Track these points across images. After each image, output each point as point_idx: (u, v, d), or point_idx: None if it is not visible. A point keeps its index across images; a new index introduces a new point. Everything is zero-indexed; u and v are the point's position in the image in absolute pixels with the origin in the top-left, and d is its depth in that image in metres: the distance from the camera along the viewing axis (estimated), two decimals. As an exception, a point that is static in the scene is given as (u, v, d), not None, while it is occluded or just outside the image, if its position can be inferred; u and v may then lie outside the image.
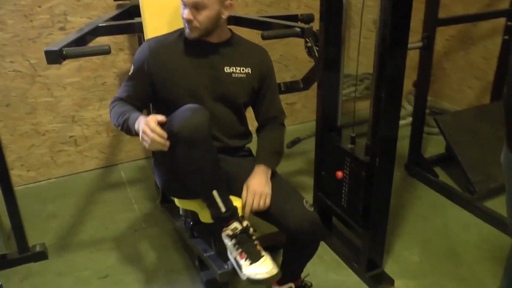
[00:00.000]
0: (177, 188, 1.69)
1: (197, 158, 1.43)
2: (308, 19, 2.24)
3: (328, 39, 1.93)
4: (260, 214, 1.61)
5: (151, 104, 2.05)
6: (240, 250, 1.50)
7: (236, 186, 1.62)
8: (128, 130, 1.53)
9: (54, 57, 1.54)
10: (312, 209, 1.55)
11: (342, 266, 2.10)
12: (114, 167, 2.98)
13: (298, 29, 1.89)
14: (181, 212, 1.97)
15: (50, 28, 2.55)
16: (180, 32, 1.67)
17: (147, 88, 1.64)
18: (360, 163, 1.84)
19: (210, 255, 1.77)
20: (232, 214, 1.51)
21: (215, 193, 1.48)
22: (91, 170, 2.93)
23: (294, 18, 2.24)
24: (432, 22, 2.52)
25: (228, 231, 1.51)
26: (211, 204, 1.51)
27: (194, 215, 1.84)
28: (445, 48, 3.73)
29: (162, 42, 1.67)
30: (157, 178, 1.74)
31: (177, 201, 1.77)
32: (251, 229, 1.53)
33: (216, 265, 1.70)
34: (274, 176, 1.67)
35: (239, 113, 1.73)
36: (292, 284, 1.79)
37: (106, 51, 1.48)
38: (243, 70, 1.67)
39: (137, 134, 1.48)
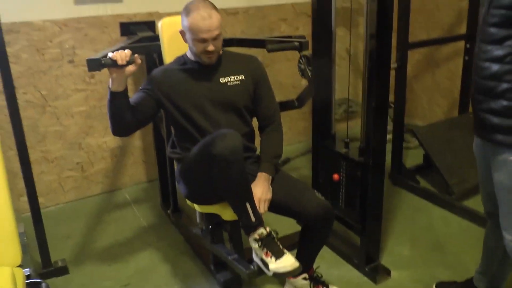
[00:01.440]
0: (202, 196, 1.91)
1: (234, 176, 1.67)
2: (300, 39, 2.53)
3: (321, 59, 2.22)
4: (279, 210, 1.86)
5: (164, 118, 2.29)
6: (265, 250, 1.73)
7: None
8: (109, 98, 1.78)
9: (95, 65, 1.77)
10: (323, 198, 1.81)
11: (342, 263, 2.32)
12: (118, 191, 3.14)
13: (297, 43, 2.15)
14: (198, 220, 2.17)
15: (60, 61, 2.77)
16: (179, 60, 1.96)
17: (148, 103, 1.89)
18: (355, 164, 2.10)
19: (235, 258, 1.94)
20: (259, 222, 1.74)
21: (248, 205, 1.71)
22: (97, 194, 3.09)
23: (288, 37, 2.52)
24: (404, 46, 2.87)
25: (255, 235, 1.74)
26: (243, 214, 1.73)
27: (210, 220, 2.05)
28: (414, 71, 4.11)
29: (165, 70, 1.96)
30: (182, 188, 1.95)
31: (198, 207, 1.97)
32: (273, 233, 1.77)
33: (243, 266, 1.87)
34: (284, 175, 1.94)
35: (242, 116, 1.96)
36: (306, 275, 2.01)
37: (133, 61, 1.73)
38: (236, 77, 1.93)
39: (112, 93, 1.76)
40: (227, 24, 3.27)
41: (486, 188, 1.74)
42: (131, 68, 1.74)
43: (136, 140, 3.15)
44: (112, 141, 3.05)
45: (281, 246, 1.75)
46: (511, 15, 1.38)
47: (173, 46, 2.13)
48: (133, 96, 1.89)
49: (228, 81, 1.91)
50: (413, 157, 3.44)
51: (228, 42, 2.36)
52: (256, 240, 1.74)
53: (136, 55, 1.75)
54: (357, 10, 2.61)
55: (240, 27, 3.37)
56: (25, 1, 2.62)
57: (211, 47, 1.80)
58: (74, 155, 2.96)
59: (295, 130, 3.85)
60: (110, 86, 1.76)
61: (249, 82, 1.95)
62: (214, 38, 1.80)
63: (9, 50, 2.43)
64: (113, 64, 1.71)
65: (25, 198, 2.24)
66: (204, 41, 1.80)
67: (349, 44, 2.28)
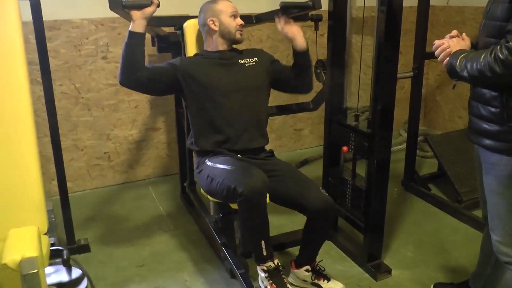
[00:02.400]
0: (219, 196, 2.02)
1: (255, 217, 1.82)
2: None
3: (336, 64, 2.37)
4: (285, 202, 1.99)
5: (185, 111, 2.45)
6: (271, 281, 1.89)
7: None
8: (126, 40, 1.91)
9: (117, 4, 1.87)
10: (326, 193, 1.95)
11: (346, 259, 2.41)
12: (141, 181, 3.34)
13: (310, 2, 2.21)
14: (211, 213, 2.36)
15: (94, 57, 2.99)
16: (199, 54, 2.18)
17: (166, 73, 2.05)
18: (363, 135, 2.21)
19: (242, 274, 2.05)
20: (269, 256, 1.89)
21: (262, 242, 1.86)
22: (121, 183, 3.29)
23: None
24: (421, 55, 2.95)
25: (264, 267, 1.90)
26: (256, 248, 1.88)
27: (221, 208, 2.22)
28: (437, 82, 4.17)
29: (189, 57, 2.22)
30: (201, 181, 2.08)
31: (211, 197, 2.11)
32: (280, 267, 1.92)
33: (247, 284, 1.99)
34: (292, 169, 2.07)
35: (259, 97, 2.15)
36: (308, 267, 2.12)
37: (152, 2, 1.89)
38: (252, 60, 2.17)
39: (130, 33, 1.90)
40: (254, 29, 3.43)
41: (483, 193, 1.82)
42: (150, 9, 1.89)
43: (161, 135, 3.34)
44: (138, 134, 3.25)
45: (285, 280, 1.90)
46: (504, 26, 1.46)
47: (196, 46, 2.32)
48: (156, 63, 2.11)
49: (246, 62, 2.15)
50: (429, 166, 3.50)
51: (248, 19, 2.47)
52: (264, 270, 1.90)
53: None
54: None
55: (266, 32, 3.52)
56: (66, 0, 2.86)
57: (241, 21, 2.12)
58: (102, 145, 3.17)
59: (316, 134, 3.96)
60: (130, 28, 1.91)
61: (264, 63, 2.19)
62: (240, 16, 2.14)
63: (49, 45, 2.64)
64: (133, 5, 1.86)
65: (56, 182, 2.45)
66: (235, 16, 2.11)
67: (361, 52, 2.38)
